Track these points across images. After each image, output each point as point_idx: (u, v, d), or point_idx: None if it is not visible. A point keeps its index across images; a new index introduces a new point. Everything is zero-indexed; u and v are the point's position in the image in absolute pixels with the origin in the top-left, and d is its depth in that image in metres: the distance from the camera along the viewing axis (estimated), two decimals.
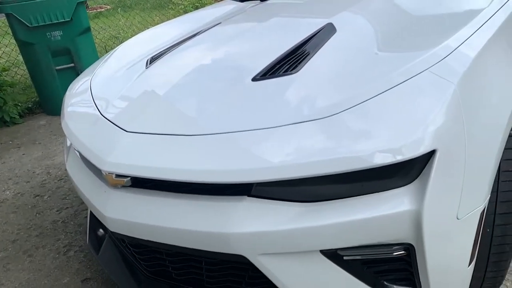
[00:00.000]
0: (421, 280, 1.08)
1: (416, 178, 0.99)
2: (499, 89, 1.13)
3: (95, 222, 1.71)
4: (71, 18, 3.49)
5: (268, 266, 1.06)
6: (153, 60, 1.63)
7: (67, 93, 1.75)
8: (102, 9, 9.50)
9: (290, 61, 1.29)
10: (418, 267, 1.05)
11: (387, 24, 1.43)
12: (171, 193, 1.16)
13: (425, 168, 0.98)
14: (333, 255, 1.05)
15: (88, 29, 3.69)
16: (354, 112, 1.03)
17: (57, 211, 2.30)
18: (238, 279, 1.21)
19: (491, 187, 1.06)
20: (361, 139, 0.96)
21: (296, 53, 1.33)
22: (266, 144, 1.02)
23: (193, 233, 1.08)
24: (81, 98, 1.60)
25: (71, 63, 3.67)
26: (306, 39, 1.40)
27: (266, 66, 1.29)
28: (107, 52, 4.99)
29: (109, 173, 1.20)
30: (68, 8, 3.45)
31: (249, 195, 1.06)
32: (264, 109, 1.12)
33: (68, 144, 1.68)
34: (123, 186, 1.23)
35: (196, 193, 1.13)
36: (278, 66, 1.29)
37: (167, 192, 1.17)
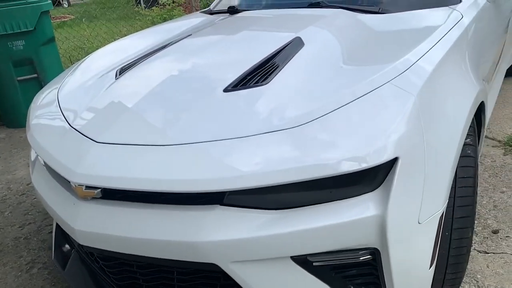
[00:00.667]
0: (386, 284, 1.13)
1: (380, 184, 1.04)
2: (454, 100, 1.21)
3: (61, 237, 1.67)
4: (35, 27, 3.41)
5: (240, 273, 1.08)
6: (122, 71, 1.63)
7: (33, 104, 1.71)
8: (66, 19, 9.31)
9: (261, 73, 1.33)
10: (384, 271, 1.10)
11: (351, 39, 1.50)
12: (142, 204, 1.16)
13: (388, 175, 1.03)
14: (303, 261, 1.09)
15: (52, 39, 3.62)
16: (321, 123, 1.07)
17: (19, 227, 2.22)
18: None
19: (449, 192, 1.13)
20: (327, 148, 1.01)
21: (266, 65, 1.37)
22: (237, 154, 1.05)
23: (166, 243, 1.08)
24: (48, 109, 1.58)
25: (34, 73, 3.57)
26: (275, 52, 1.44)
27: (237, 78, 1.33)
28: (72, 62, 4.89)
29: (78, 185, 1.18)
30: (31, 18, 3.37)
31: (221, 204, 1.08)
32: (235, 120, 1.15)
33: (33, 157, 1.65)
34: (93, 198, 1.22)
35: (168, 203, 1.13)
36: (249, 77, 1.32)
37: (138, 203, 1.17)
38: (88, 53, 4.53)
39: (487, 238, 1.79)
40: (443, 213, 1.13)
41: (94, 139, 1.24)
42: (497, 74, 2.46)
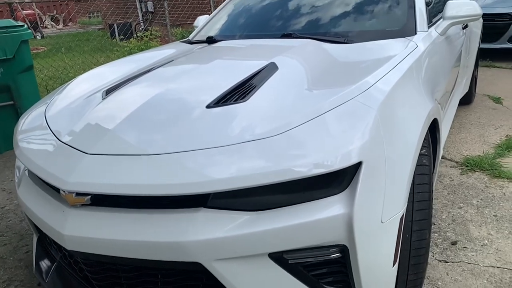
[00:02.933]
0: (355, 281, 1.24)
1: (347, 187, 1.17)
2: (410, 114, 1.38)
3: (42, 252, 1.71)
4: (14, 55, 3.47)
5: (222, 271, 1.17)
6: (109, 92, 1.74)
7: (20, 122, 1.78)
8: (39, 50, 9.32)
9: (240, 92, 1.47)
10: (352, 268, 1.22)
11: (320, 64, 1.67)
12: (130, 209, 1.24)
13: (354, 178, 1.17)
14: (279, 259, 1.19)
15: (30, 67, 3.68)
16: (293, 133, 1.21)
17: None
18: None
19: (408, 196, 1.28)
20: (299, 154, 1.14)
21: (245, 85, 1.51)
22: (218, 161, 1.17)
23: (153, 244, 1.17)
24: (36, 127, 1.65)
25: (10, 101, 3.60)
26: (253, 74, 1.59)
27: (219, 96, 1.46)
28: (48, 91, 4.93)
29: (69, 193, 1.26)
30: (11, 46, 3.44)
31: (205, 207, 1.18)
32: (216, 131, 1.27)
33: (19, 173, 1.70)
34: (83, 205, 1.29)
35: (155, 208, 1.22)
36: (229, 95, 1.46)
37: (126, 209, 1.25)
38: (64, 82, 4.59)
39: (447, 249, 1.94)
40: (403, 215, 1.27)
41: (85, 151, 1.33)
42: (452, 101, 2.71)
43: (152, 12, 11.23)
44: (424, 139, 1.44)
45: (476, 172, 2.62)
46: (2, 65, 3.45)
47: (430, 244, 1.97)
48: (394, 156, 1.24)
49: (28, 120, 1.76)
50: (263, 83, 1.51)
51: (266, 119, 1.29)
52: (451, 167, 2.73)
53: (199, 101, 1.46)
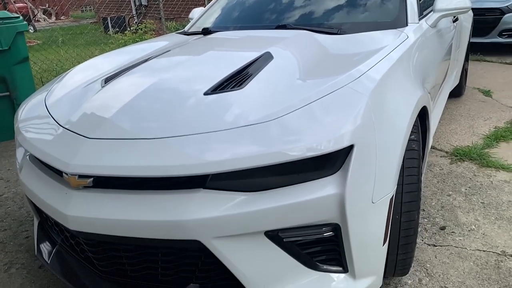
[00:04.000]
0: (346, 259, 1.31)
1: (340, 169, 1.23)
2: (400, 101, 1.44)
3: (43, 235, 1.76)
4: (10, 47, 3.49)
5: (220, 248, 1.22)
6: (108, 80, 1.78)
7: (20, 110, 1.82)
8: (32, 44, 9.27)
9: (237, 80, 1.52)
10: (344, 246, 1.28)
11: (314, 54, 1.72)
12: (132, 191, 1.29)
13: (346, 160, 1.23)
14: (275, 237, 1.25)
15: (26, 59, 3.70)
16: (289, 118, 1.26)
17: None
18: (192, 268, 1.35)
19: (397, 178, 1.34)
20: (294, 138, 1.19)
21: (241, 74, 1.56)
22: (216, 144, 1.22)
23: (155, 223, 1.22)
24: (37, 114, 1.69)
25: (6, 91, 3.62)
26: (249, 63, 1.64)
27: (216, 83, 1.51)
28: (43, 83, 4.93)
29: (72, 175, 1.31)
30: (6, 37, 3.45)
31: (204, 188, 1.24)
32: (214, 117, 1.32)
33: (20, 158, 1.74)
34: (85, 187, 1.34)
35: (156, 189, 1.27)
36: (226, 83, 1.51)
37: (128, 190, 1.30)
38: (59, 74, 4.60)
39: (435, 233, 2.01)
40: (393, 196, 1.33)
41: (87, 136, 1.37)
42: (442, 93, 2.78)
43: (145, 6, 11.20)
44: (414, 125, 1.50)
45: (465, 162, 2.70)
46: None
47: (420, 229, 2.04)
48: (384, 140, 1.29)
49: (29, 108, 1.80)
50: (259, 72, 1.56)
51: (262, 105, 1.34)
52: (441, 156, 2.80)
53: (196, 89, 1.51)
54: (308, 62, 1.64)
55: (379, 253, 1.35)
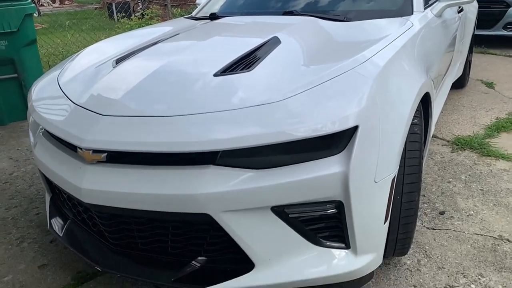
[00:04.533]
0: (349, 236, 1.36)
1: (344, 148, 1.28)
2: (404, 86, 1.48)
3: (55, 210, 1.82)
4: (18, 28, 3.52)
5: (228, 222, 1.28)
6: (119, 61, 1.82)
7: (33, 89, 1.87)
8: (38, 27, 9.28)
9: (245, 62, 1.57)
10: (347, 223, 1.33)
11: (320, 39, 1.77)
12: (145, 166, 1.35)
13: (350, 141, 1.28)
14: (281, 213, 1.30)
15: (34, 41, 3.74)
16: (296, 99, 1.31)
17: (6, 209, 2.33)
18: (200, 242, 1.41)
19: (399, 160, 1.39)
20: (301, 117, 1.24)
21: (250, 57, 1.61)
22: (226, 122, 1.27)
23: (166, 196, 1.28)
24: (50, 92, 1.74)
25: (15, 73, 3.67)
26: (257, 47, 1.69)
27: (225, 65, 1.56)
28: (50, 66, 4.97)
29: (87, 150, 1.36)
30: (15, 19, 3.49)
31: (214, 164, 1.29)
32: (225, 96, 1.37)
33: (33, 137, 1.79)
34: (99, 162, 1.39)
35: (168, 165, 1.33)
36: (235, 65, 1.55)
37: (141, 165, 1.35)
38: (65, 57, 4.63)
39: (435, 218, 2.07)
40: (395, 177, 1.38)
41: (101, 113, 1.43)
42: (445, 83, 2.81)
43: None
44: (416, 110, 1.54)
45: (466, 151, 2.75)
46: (6, 38, 3.51)
47: (420, 213, 2.10)
48: (388, 123, 1.34)
49: (42, 87, 1.85)
50: (267, 55, 1.60)
51: (269, 87, 1.39)
52: (442, 145, 2.85)
53: (206, 71, 1.55)
54: (315, 47, 1.68)
55: (380, 231, 1.41)
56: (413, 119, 1.51)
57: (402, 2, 2.20)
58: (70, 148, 1.51)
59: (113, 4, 10.18)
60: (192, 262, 1.43)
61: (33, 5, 3.62)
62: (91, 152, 1.37)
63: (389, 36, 1.72)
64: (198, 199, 1.26)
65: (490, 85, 4.07)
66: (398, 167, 1.40)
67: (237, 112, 1.30)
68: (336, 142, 1.28)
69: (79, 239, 1.64)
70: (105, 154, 1.36)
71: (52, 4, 16.60)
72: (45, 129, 1.66)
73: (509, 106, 3.49)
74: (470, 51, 3.95)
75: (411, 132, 1.49)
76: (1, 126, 3.65)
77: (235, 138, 1.23)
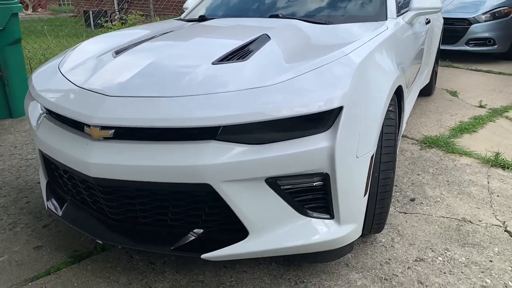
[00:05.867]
0: (333, 206, 1.52)
1: (331, 127, 1.45)
2: (381, 77, 1.67)
3: (51, 192, 1.90)
4: (4, 27, 3.57)
5: (227, 191, 1.42)
6: (118, 52, 1.95)
7: (33, 76, 1.96)
8: None
9: (240, 54, 1.73)
10: (332, 194, 1.50)
11: (305, 37, 1.95)
12: (149, 141, 1.47)
13: (336, 120, 1.45)
14: (274, 184, 1.45)
15: (19, 40, 3.77)
16: (287, 84, 1.47)
17: None
18: (198, 213, 1.54)
19: (377, 140, 1.57)
20: (294, 97, 1.41)
21: (244, 49, 1.77)
22: (227, 102, 1.42)
23: (171, 168, 1.40)
24: (53, 79, 1.84)
25: None
26: (249, 42, 1.85)
27: (222, 55, 1.71)
28: (32, 69, 4.97)
29: (95, 126, 1.48)
30: (1, 18, 3.53)
31: (215, 139, 1.43)
32: (223, 81, 1.53)
33: (34, 121, 1.87)
34: (106, 138, 1.50)
35: (172, 140, 1.46)
36: (231, 56, 1.71)
37: (146, 141, 1.48)
38: (43, 62, 4.66)
39: (406, 204, 2.27)
40: (373, 154, 1.56)
41: (108, 94, 1.55)
42: (414, 86, 3.06)
43: (128, 1, 11.24)
44: (391, 99, 1.74)
45: (433, 148, 2.99)
46: None
47: (393, 200, 2.29)
48: (368, 106, 1.53)
49: (43, 74, 1.94)
50: (259, 48, 1.77)
51: (263, 74, 1.55)
52: (412, 144, 3.08)
53: (205, 60, 1.70)
54: (301, 43, 1.87)
55: (360, 203, 1.58)
56: (388, 107, 1.71)
57: (378, 9, 2.44)
58: (76, 128, 1.61)
59: (90, 12, 10.18)
60: (190, 233, 1.56)
61: (20, 5, 3.67)
62: (99, 128, 1.48)
63: (367, 36, 1.92)
64: (200, 170, 1.39)
65: (454, 93, 4.39)
66: (376, 146, 1.58)
67: (236, 93, 1.45)
68: (323, 121, 1.44)
69: (79, 217, 1.73)
70: (113, 130, 1.48)
71: (25, 11, 16.34)
72: (49, 112, 1.76)
73: (471, 112, 3.79)
74: (436, 62, 4.26)
75: (387, 118, 1.68)
76: None
77: (234, 115, 1.38)
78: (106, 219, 1.67)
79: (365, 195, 1.58)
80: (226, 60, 1.68)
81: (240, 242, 1.51)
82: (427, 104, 4.05)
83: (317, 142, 1.42)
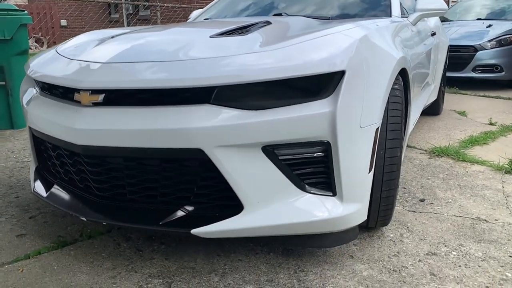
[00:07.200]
0: (335, 181, 1.40)
1: (332, 93, 1.36)
2: (384, 53, 1.59)
3: (40, 176, 1.81)
4: (12, 37, 3.61)
5: (221, 158, 1.32)
6: (115, 36, 1.91)
7: (30, 60, 1.92)
8: None
9: (241, 30, 1.68)
10: (333, 167, 1.38)
11: (308, 22, 1.91)
12: (140, 106, 1.39)
13: (338, 86, 1.36)
14: (271, 153, 1.35)
15: (26, 51, 3.80)
16: (289, 49, 1.40)
17: None
18: (190, 186, 1.42)
19: (382, 114, 1.47)
20: (292, 60, 1.33)
21: (245, 28, 1.73)
22: (222, 64, 1.35)
23: (162, 131, 1.31)
24: (49, 57, 1.80)
25: (3, 81, 3.69)
26: (251, 24, 1.81)
27: (221, 31, 1.67)
28: None
29: (85, 90, 1.41)
30: (10, 27, 3.57)
31: (209, 103, 1.35)
32: (221, 48, 1.46)
33: (25, 101, 1.81)
34: (95, 104, 1.43)
35: (165, 104, 1.38)
36: (230, 32, 1.66)
37: (136, 106, 1.40)
38: None
39: (416, 204, 2.13)
40: (378, 128, 1.46)
41: (101, 61, 1.49)
42: (422, 94, 2.98)
43: None
44: (396, 79, 1.66)
45: (443, 157, 2.87)
46: None
47: (401, 200, 2.15)
48: (372, 76, 1.44)
49: (40, 56, 1.90)
50: (260, 28, 1.72)
51: (264, 43, 1.49)
52: (420, 153, 2.97)
53: (203, 35, 1.65)
54: (303, 26, 1.82)
55: (364, 179, 1.46)
56: (394, 85, 1.62)
57: (382, 8, 2.41)
58: (67, 98, 1.54)
59: None
60: (181, 209, 1.44)
61: (30, 16, 3.73)
62: (89, 93, 1.41)
63: (371, 20, 1.88)
64: (192, 132, 1.30)
65: (463, 113, 4.30)
66: (381, 119, 1.48)
67: (232, 57, 1.38)
68: (324, 86, 1.36)
69: (64, 198, 1.62)
70: (103, 95, 1.41)
71: (39, 47, 16.88)
72: (42, 88, 1.71)
73: (481, 128, 3.68)
74: (443, 82, 4.21)
75: (392, 95, 1.59)
76: None
77: (228, 76, 1.31)
78: (92, 197, 1.56)
79: (369, 171, 1.47)
80: (225, 35, 1.63)
81: (235, 216, 1.39)
82: (435, 122, 3.96)
83: (317, 108, 1.33)
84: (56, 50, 1.86)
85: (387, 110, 1.56)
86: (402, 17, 2.47)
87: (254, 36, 1.58)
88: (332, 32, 1.52)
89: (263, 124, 1.30)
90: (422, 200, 2.16)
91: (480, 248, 1.72)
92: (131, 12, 12.04)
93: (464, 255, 1.66)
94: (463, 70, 5.84)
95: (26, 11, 3.71)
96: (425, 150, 3.02)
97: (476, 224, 1.92)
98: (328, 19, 2.26)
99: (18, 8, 3.67)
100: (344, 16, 2.36)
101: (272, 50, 1.40)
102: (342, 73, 1.36)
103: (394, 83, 1.63)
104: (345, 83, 1.35)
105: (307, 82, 1.35)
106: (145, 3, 9.36)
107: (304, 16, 2.33)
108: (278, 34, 1.62)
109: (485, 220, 1.95)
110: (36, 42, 17.84)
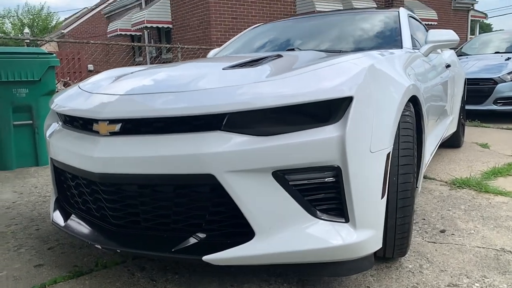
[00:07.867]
0: (347, 207, 1.39)
1: (341, 118, 1.37)
2: (392, 81, 1.60)
3: (59, 207, 1.86)
4: (40, 78, 3.81)
5: (232, 183, 1.33)
6: (134, 72, 2.00)
7: (54, 97, 2.02)
8: None
9: (252, 63, 1.74)
10: (345, 192, 1.37)
11: (318, 54, 1.96)
12: (155, 134, 1.44)
13: (346, 111, 1.38)
14: (281, 178, 1.36)
15: (53, 92, 3.99)
16: (299, 76, 1.44)
17: (6, 226, 2.33)
18: (202, 213, 1.43)
19: (393, 139, 1.47)
20: (301, 87, 1.37)
21: (256, 61, 1.79)
22: (234, 93, 1.39)
23: (173, 157, 1.35)
24: (70, 92, 1.89)
25: (30, 120, 3.86)
26: (262, 57, 1.88)
27: (233, 64, 1.73)
28: None
29: (103, 121, 1.47)
30: (39, 69, 3.79)
31: (220, 130, 1.38)
32: (233, 79, 1.52)
33: (49, 131, 1.89)
34: (113, 134, 1.48)
35: (178, 132, 1.42)
36: (242, 64, 1.73)
37: (152, 134, 1.44)
38: None
39: (436, 235, 2.07)
40: (389, 153, 1.45)
41: (119, 94, 1.56)
42: (438, 126, 2.96)
43: None
44: (406, 106, 1.66)
45: (464, 189, 2.80)
46: (28, 86, 3.77)
47: (420, 231, 2.10)
48: (381, 101, 1.45)
49: (63, 92, 2.00)
50: (271, 60, 1.78)
51: (275, 72, 1.54)
52: (440, 185, 2.90)
53: (217, 67, 1.72)
54: (313, 57, 1.87)
55: (378, 205, 1.43)
56: (404, 111, 1.62)
57: (393, 40, 2.46)
58: (87, 129, 1.61)
59: None
60: (193, 236, 1.45)
61: (58, 59, 3.94)
62: (106, 123, 1.47)
63: (381, 51, 1.91)
64: (203, 158, 1.33)
65: (485, 146, 4.21)
66: (392, 146, 1.47)
67: (243, 85, 1.43)
68: (333, 112, 1.38)
69: (81, 227, 1.66)
70: (120, 124, 1.46)
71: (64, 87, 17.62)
72: (64, 121, 1.79)
73: (505, 160, 3.59)
74: (463, 114, 4.17)
75: (403, 121, 1.59)
76: (7, 171, 3.73)
77: (239, 103, 1.35)
78: (108, 226, 1.59)
79: (382, 197, 1.45)
80: (238, 67, 1.69)
81: (246, 243, 1.38)
82: (456, 154, 3.89)
83: (326, 133, 1.35)
84: (78, 86, 1.96)
85: (398, 136, 1.55)
86: (413, 49, 2.51)
87: (264, 67, 1.64)
88: (341, 61, 1.56)
89: (273, 149, 1.32)
90: (442, 231, 2.10)
91: (505, 279, 1.64)
92: (154, 55, 12.58)
93: (487, 287, 1.59)
94: (484, 103, 5.79)
95: (54, 54, 3.93)
96: (446, 182, 2.96)
97: (501, 255, 1.84)
98: (339, 52, 2.31)
99: (47, 52, 3.90)
100: (355, 50, 2.41)
101: (281, 78, 1.44)
102: (350, 99, 1.38)
103: (405, 109, 1.63)
104: (353, 108, 1.37)
105: (316, 108, 1.37)
106: (167, 45, 9.76)
107: (316, 50, 2.40)
108: (288, 65, 1.67)
109: (510, 252, 1.87)
110: (64, 85, 18.70)
